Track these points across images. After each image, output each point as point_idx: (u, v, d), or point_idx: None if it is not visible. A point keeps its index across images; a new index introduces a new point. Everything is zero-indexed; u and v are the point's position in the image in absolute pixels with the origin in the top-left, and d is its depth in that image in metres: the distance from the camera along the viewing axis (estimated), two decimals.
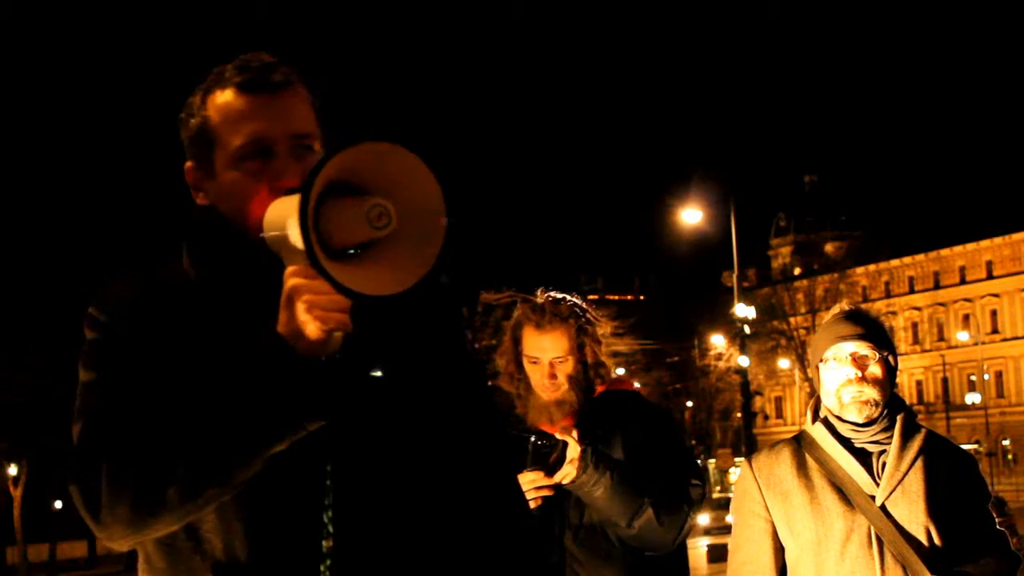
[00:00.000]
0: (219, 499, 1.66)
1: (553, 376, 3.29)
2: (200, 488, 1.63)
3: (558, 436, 3.14)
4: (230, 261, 1.79)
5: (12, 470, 39.82)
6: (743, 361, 34.13)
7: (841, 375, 2.86)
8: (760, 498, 2.90)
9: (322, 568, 1.71)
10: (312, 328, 1.59)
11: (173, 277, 1.82)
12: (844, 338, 2.87)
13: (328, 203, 1.54)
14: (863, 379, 2.84)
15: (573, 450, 3.12)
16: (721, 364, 49.77)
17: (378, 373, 1.66)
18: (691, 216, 31.79)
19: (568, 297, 3.41)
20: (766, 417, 72.52)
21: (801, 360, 56.07)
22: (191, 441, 1.62)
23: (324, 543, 1.72)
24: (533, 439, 3.17)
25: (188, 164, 1.85)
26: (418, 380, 1.82)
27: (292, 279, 1.61)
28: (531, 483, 3.14)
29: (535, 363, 3.32)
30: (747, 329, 33.33)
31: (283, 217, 1.61)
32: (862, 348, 2.86)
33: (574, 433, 3.14)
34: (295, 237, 1.52)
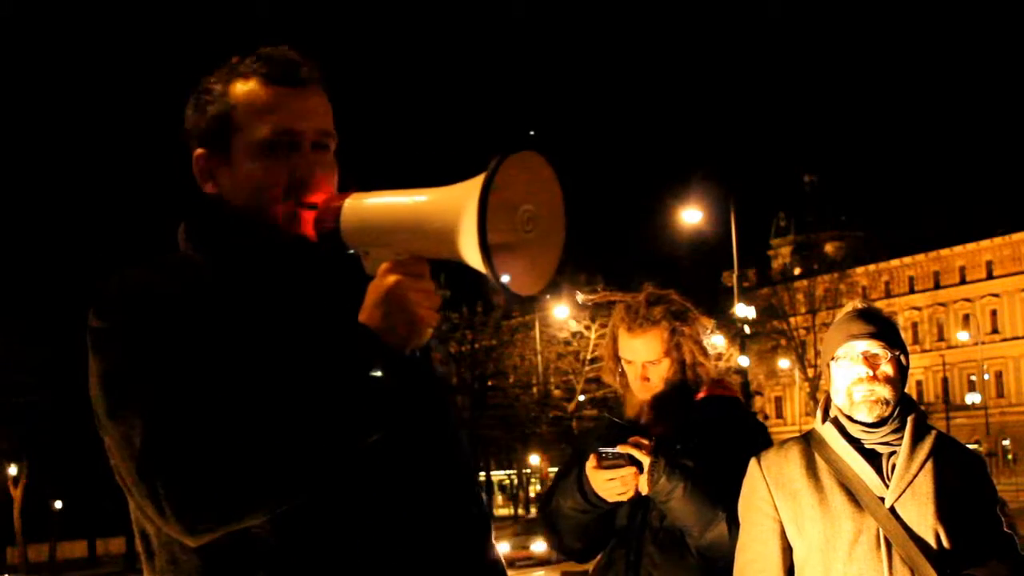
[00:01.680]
0: (313, 494, 1.64)
1: (646, 378, 3.31)
2: (301, 482, 1.61)
3: (620, 449, 3.14)
4: (246, 249, 1.78)
5: (12, 470, 39.85)
6: (743, 361, 34.15)
7: (852, 374, 2.84)
8: (768, 497, 2.89)
9: (406, 559, 1.73)
10: (427, 325, 1.65)
11: (180, 265, 1.80)
12: (856, 336, 2.85)
13: (504, 207, 1.58)
14: (874, 378, 2.82)
15: (643, 462, 3.12)
16: (721, 364, 49.69)
17: (378, 373, 1.66)
18: (691, 216, 31.86)
19: (668, 295, 3.41)
20: (766, 417, 72.47)
21: (801, 360, 56.12)
22: (287, 435, 1.58)
23: (405, 534, 1.74)
24: (599, 451, 3.17)
25: (199, 151, 1.83)
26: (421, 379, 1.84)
27: (392, 276, 1.64)
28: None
29: (630, 364, 3.35)
30: (747, 329, 33.40)
31: (396, 214, 1.65)
32: (873, 347, 2.84)
33: (644, 443, 3.14)
34: (466, 237, 1.54)
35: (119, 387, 1.66)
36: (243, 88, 1.79)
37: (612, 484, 3.13)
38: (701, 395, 3.34)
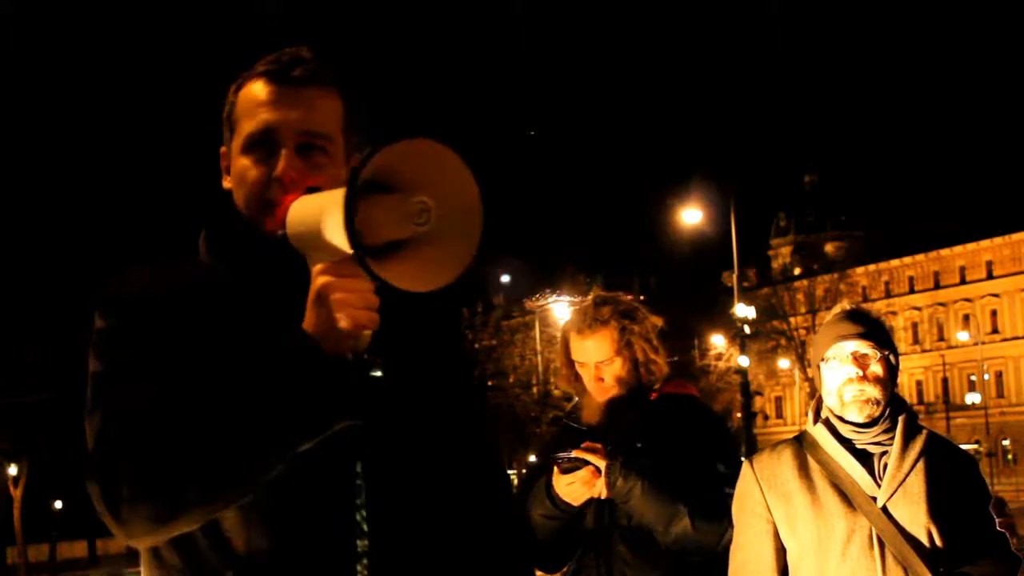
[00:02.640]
0: (244, 498, 1.65)
1: (600, 379, 3.33)
2: (224, 487, 1.62)
3: (575, 454, 3.17)
4: (242, 251, 1.79)
5: (12, 470, 39.84)
6: (743, 361, 34.18)
7: (842, 374, 2.85)
8: (761, 499, 2.90)
9: (359, 568, 1.70)
10: (345, 325, 1.59)
11: (190, 267, 1.82)
12: (845, 337, 2.86)
13: (365, 200, 1.53)
14: (864, 378, 2.83)
15: (599, 466, 3.15)
16: (721, 364, 49.81)
17: (378, 373, 1.65)
18: (691, 216, 31.89)
19: (615, 296, 3.44)
20: (766, 417, 72.52)
21: (801, 360, 56.11)
22: (216, 439, 1.59)
23: (359, 542, 1.71)
24: (556, 457, 3.20)
25: (222, 149, 1.87)
26: (421, 379, 1.83)
27: (322, 277, 1.60)
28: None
29: (583, 366, 3.37)
30: (747, 329, 33.38)
31: (315, 215, 1.60)
32: (863, 347, 2.85)
33: (597, 447, 3.17)
34: (337, 236, 1.51)
35: (93, 389, 1.72)
36: (249, 87, 1.80)
37: (572, 487, 3.17)
38: (656, 394, 3.36)
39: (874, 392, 2.84)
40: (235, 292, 1.76)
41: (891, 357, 2.88)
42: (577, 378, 3.42)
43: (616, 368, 3.32)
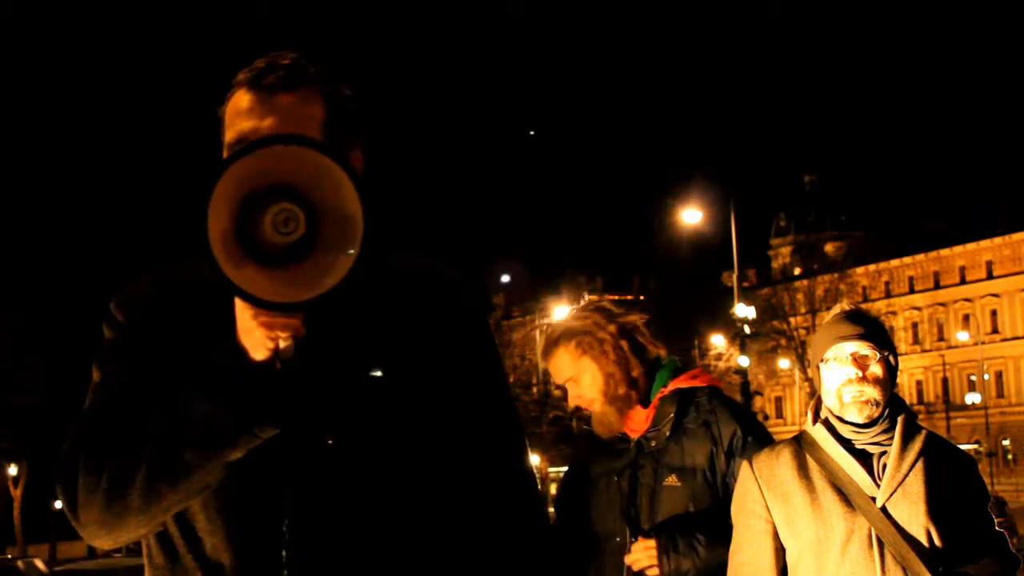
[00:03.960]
0: (181, 505, 1.68)
1: (578, 396, 3.33)
2: (157, 494, 1.64)
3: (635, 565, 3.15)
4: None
5: (12, 470, 39.89)
6: (743, 361, 34.21)
7: (842, 375, 2.86)
8: (760, 498, 2.90)
9: None
10: (256, 336, 1.57)
11: (194, 273, 1.79)
12: (844, 338, 2.87)
13: (260, 206, 1.51)
14: (864, 379, 2.83)
15: (647, 545, 3.14)
16: (721, 364, 49.76)
17: (378, 373, 1.65)
18: (691, 216, 31.93)
19: (568, 313, 3.42)
20: (766, 417, 72.43)
21: (801, 360, 56.17)
22: (150, 446, 1.63)
23: (283, 552, 1.70)
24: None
25: None
26: (404, 382, 1.75)
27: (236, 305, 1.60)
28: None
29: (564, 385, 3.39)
30: (747, 329, 33.39)
31: None
32: (863, 348, 2.86)
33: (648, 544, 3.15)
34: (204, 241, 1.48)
35: (87, 397, 1.78)
36: (231, 97, 1.79)
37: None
38: (667, 389, 3.28)
39: (873, 393, 2.84)
40: (219, 301, 1.73)
41: (890, 358, 2.89)
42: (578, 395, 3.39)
43: (583, 386, 3.30)
